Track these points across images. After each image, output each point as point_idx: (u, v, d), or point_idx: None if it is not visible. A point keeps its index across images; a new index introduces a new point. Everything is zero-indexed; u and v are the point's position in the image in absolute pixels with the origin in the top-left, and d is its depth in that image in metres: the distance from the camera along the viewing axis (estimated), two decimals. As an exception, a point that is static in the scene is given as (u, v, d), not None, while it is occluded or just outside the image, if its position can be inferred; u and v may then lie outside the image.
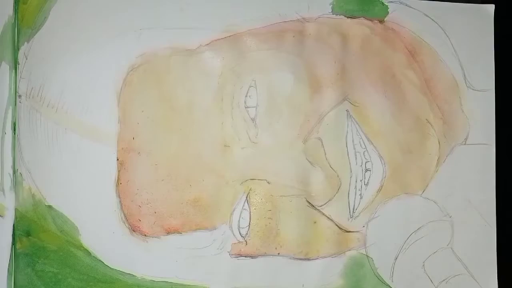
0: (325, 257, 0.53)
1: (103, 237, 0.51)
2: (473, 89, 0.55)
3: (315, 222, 0.53)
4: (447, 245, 0.55)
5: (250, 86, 0.52)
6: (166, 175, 0.51)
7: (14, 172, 0.50)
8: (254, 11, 0.53)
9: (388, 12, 0.55)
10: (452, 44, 0.56)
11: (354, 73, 0.54)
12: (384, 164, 0.54)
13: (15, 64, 0.50)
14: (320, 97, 0.53)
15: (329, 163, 0.53)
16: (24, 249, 0.50)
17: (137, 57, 0.52)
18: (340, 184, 0.53)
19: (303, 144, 0.53)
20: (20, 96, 0.51)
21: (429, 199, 0.55)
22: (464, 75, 0.56)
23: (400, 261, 0.54)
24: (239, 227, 0.52)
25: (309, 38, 0.54)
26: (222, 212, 0.52)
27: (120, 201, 0.51)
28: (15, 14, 0.51)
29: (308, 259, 0.53)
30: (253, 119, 0.52)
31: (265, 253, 0.53)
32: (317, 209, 0.53)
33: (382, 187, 0.54)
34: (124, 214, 0.51)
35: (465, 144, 0.55)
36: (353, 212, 0.54)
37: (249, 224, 0.52)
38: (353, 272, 0.54)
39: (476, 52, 0.56)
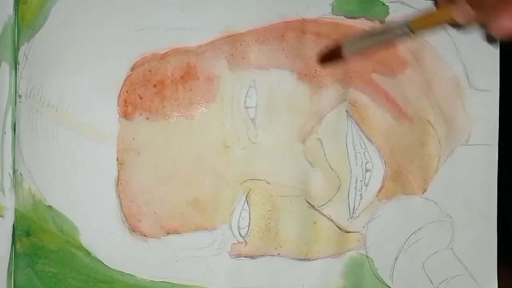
0: (325, 257, 0.53)
1: (103, 237, 0.51)
2: (476, 89, 0.55)
3: (315, 223, 0.53)
4: (447, 245, 0.54)
5: (250, 87, 0.52)
6: (166, 176, 0.51)
7: (14, 172, 0.50)
8: (254, 12, 0.52)
9: (388, 12, 0.54)
10: (454, 44, 0.55)
11: (354, 73, 0.54)
12: (385, 164, 0.54)
13: (15, 64, 0.51)
14: (320, 97, 0.53)
15: (329, 164, 0.53)
16: (24, 249, 0.50)
17: (137, 57, 0.52)
18: (340, 184, 0.53)
19: (303, 144, 0.53)
20: (20, 96, 0.51)
21: (429, 199, 0.54)
22: (467, 75, 0.55)
23: (400, 262, 0.54)
24: (238, 227, 0.52)
25: (309, 38, 0.53)
26: (222, 212, 0.52)
27: (120, 201, 0.51)
28: (15, 14, 0.51)
29: (308, 260, 0.53)
30: (252, 120, 0.52)
31: (265, 253, 0.53)
32: (317, 209, 0.53)
33: (382, 187, 0.54)
34: (124, 214, 0.51)
35: (466, 144, 0.55)
36: (353, 212, 0.53)
37: (249, 224, 0.52)
38: (353, 272, 0.54)
39: (480, 51, 0.55)
